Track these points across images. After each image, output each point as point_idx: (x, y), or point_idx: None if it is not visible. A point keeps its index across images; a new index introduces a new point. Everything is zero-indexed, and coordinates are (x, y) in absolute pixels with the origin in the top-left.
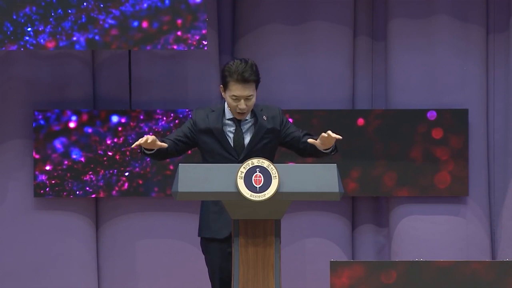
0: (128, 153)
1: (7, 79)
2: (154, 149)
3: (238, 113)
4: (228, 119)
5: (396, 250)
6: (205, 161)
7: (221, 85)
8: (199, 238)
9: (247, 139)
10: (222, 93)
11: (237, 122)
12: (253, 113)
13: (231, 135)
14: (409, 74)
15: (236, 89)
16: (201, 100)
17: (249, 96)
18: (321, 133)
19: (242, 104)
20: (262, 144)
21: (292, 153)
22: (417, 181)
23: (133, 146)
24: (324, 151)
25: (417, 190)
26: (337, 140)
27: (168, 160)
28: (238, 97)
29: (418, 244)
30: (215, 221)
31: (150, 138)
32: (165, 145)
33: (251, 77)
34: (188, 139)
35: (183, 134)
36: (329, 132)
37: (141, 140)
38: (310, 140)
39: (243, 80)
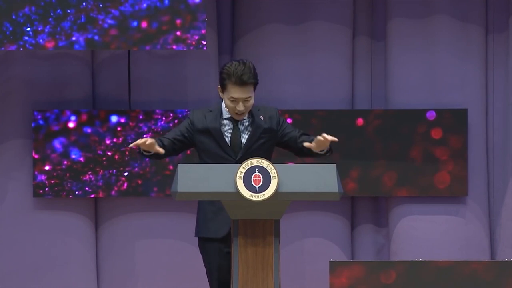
0: (127, 153)
1: (6, 79)
2: (151, 152)
3: (236, 113)
4: (226, 119)
5: (396, 250)
6: (202, 161)
7: (219, 86)
8: (197, 238)
9: (244, 139)
10: (220, 94)
11: (235, 121)
12: (250, 113)
13: (229, 135)
14: (408, 74)
15: (234, 92)
16: (201, 100)
17: (248, 97)
18: (319, 133)
19: (240, 106)
20: (259, 143)
21: (291, 153)
22: (416, 181)
23: (131, 145)
24: (319, 152)
25: (417, 190)
26: (332, 141)
27: (167, 160)
28: (236, 99)
29: (418, 244)
30: (212, 221)
31: (149, 140)
32: (162, 151)
33: (250, 79)
34: (186, 139)
35: (180, 133)
36: (324, 135)
37: (139, 141)
38: (306, 144)
39: (242, 83)
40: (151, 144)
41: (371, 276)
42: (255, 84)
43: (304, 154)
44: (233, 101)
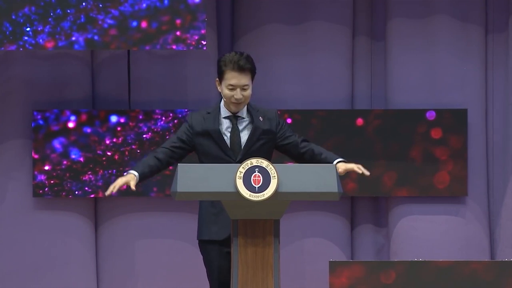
0: (127, 153)
1: (6, 79)
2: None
3: (234, 103)
4: (224, 117)
5: (396, 250)
6: (201, 163)
7: (217, 79)
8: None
9: (243, 138)
10: (218, 87)
11: (234, 120)
12: (249, 113)
13: (228, 134)
14: (408, 74)
15: (232, 78)
16: (200, 100)
17: (245, 85)
18: (320, 134)
19: (238, 94)
20: (258, 145)
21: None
22: (416, 181)
23: (107, 193)
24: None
25: (417, 190)
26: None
27: (170, 167)
28: (234, 86)
29: (418, 244)
30: (213, 223)
31: (120, 182)
32: (133, 188)
33: (247, 65)
34: (185, 144)
35: (178, 140)
36: (362, 168)
37: (113, 186)
38: (340, 165)
39: (239, 68)
40: (124, 183)
41: (371, 276)
42: (252, 72)
43: (304, 160)
44: (231, 89)
